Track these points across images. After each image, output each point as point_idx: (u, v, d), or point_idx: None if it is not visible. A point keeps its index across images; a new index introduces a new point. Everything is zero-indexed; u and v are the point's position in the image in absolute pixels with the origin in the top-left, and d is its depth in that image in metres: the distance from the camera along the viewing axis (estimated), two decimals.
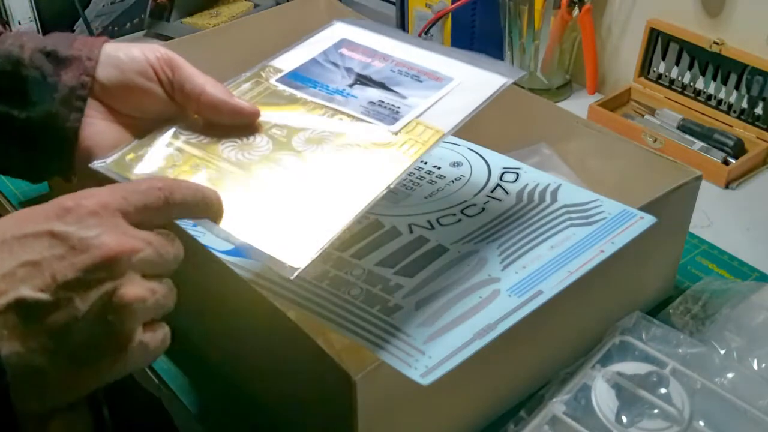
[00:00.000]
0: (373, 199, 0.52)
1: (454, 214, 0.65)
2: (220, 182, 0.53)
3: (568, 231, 0.61)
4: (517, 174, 0.70)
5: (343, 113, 0.60)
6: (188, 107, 0.57)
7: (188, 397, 0.69)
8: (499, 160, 0.72)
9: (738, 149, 0.96)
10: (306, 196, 0.53)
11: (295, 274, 0.47)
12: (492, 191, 0.68)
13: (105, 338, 0.40)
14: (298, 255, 0.48)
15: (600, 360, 0.66)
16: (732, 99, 0.99)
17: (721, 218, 0.88)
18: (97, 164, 0.54)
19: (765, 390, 0.63)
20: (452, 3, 1.08)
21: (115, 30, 1.25)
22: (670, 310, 0.73)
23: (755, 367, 0.67)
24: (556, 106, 0.83)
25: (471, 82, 0.61)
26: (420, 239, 0.62)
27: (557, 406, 0.63)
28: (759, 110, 0.96)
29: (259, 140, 0.56)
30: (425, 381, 0.49)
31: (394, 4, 1.17)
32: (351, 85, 0.63)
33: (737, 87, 0.98)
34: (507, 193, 0.67)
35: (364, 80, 0.63)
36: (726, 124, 0.99)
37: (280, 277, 0.60)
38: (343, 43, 0.68)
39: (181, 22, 1.27)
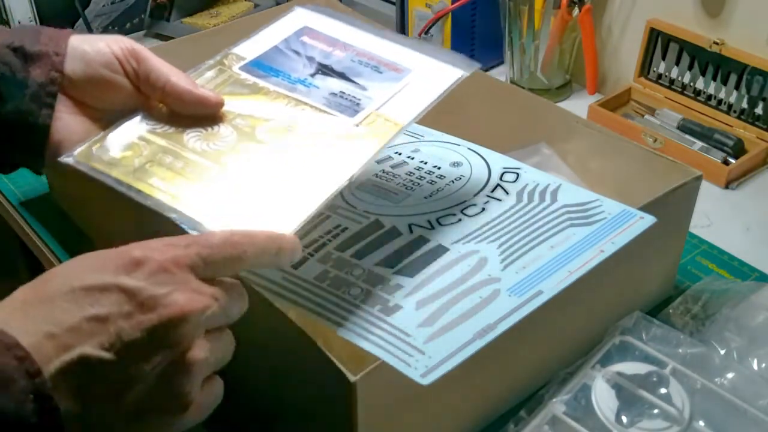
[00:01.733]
0: (336, 190, 0.53)
1: (454, 214, 0.65)
2: (188, 173, 0.53)
3: (568, 231, 0.61)
4: (517, 174, 0.70)
5: (305, 104, 0.61)
6: (153, 97, 0.57)
7: None
8: (499, 160, 0.72)
9: (738, 149, 0.96)
10: (271, 188, 0.54)
11: None
12: (492, 191, 0.68)
13: (166, 400, 0.39)
14: None
15: (600, 360, 0.66)
16: (732, 99, 0.99)
17: (721, 218, 0.88)
18: (64, 158, 0.54)
19: (765, 390, 0.63)
20: (452, 3, 1.08)
21: (115, 30, 1.25)
22: (670, 310, 0.73)
23: (755, 367, 0.67)
24: (556, 106, 0.83)
25: (429, 75, 0.63)
26: (420, 239, 0.62)
27: (557, 406, 0.63)
28: (759, 110, 0.96)
29: (224, 130, 0.57)
30: (425, 381, 0.49)
31: (394, 4, 1.17)
32: (313, 75, 0.63)
33: (737, 87, 0.98)
34: (507, 193, 0.67)
35: (325, 70, 0.64)
36: (726, 124, 0.99)
37: (281, 277, 0.60)
38: (305, 30, 0.68)
39: (181, 22, 1.27)
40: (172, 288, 0.39)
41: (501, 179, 0.69)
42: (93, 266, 0.40)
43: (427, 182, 0.70)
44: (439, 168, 0.72)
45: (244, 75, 0.63)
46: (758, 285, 0.75)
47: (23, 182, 0.95)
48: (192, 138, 0.56)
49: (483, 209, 0.65)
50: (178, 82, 0.56)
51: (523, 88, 1.06)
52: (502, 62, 1.19)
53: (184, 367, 0.39)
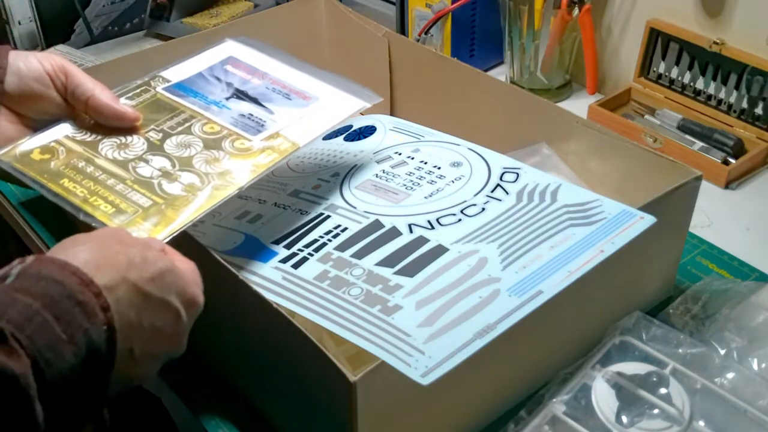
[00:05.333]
0: (225, 197, 0.60)
1: (454, 214, 0.65)
2: (96, 178, 0.60)
3: (568, 231, 0.61)
4: (517, 174, 0.70)
5: (214, 122, 0.67)
6: (79, 109, 0.64)
7: (188, 397, 0.69)
8: (499, 160, 0.72)
9: (738, 149, 0.96)
10: (165, 191, 0.60)
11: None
12: (492, 191, 0.68)
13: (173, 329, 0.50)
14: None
15: (600, 360, 0.66)
16: (732, 99, 0.98)
17: (721, 218, 0.88)
18: None
19: (765, 390, 0.63)
20: (452, 3, 1.08)
21: (115, 30, 1.25)
22: (670, 310, 0.73)
23: (755, 367, 0.67)
24: (556, 106, 0.83)
25: (333, 103, 0.70)
26: (420, 239, 0.62)
27: (557, 406, 0.63)
28: (759, 110, 0.96)
29: (136, 141, 0.64)
30: (425, 381, 0.49)
31: (394, 4, 1.17)
32: (228, 98, 0.70)
33: (737, 87, 0.98)
34: (507, 193, 0.67)
35: (240, 95, 0.71)
36: (726, 124, 0.99)
37: (281, 277, 0.60)
38: (230, 60, 0.75)
39: (181, 22, 1.27)
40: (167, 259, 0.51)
41: (501, 179, 0.69)
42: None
43: (427, 182, 0.70)
44: (439, 168, 0.72)
45: (166, 94, 0.70)
46: (758, 285, 0.75)
47: None
48: (107, 147, 0.63)
49: (483, 209, 0.65)
50: (100, 97, 0.63)
51: (523, 88, 1.06)
52: (502, 62, 1.19)
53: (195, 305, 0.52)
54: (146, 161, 0.62)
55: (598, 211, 0.63)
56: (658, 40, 1.03)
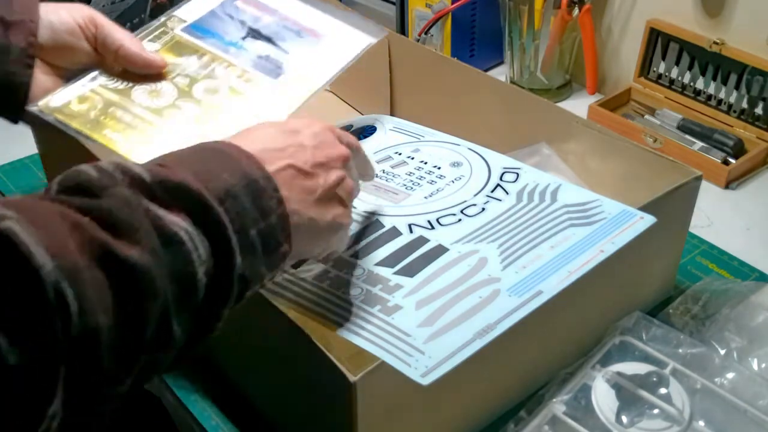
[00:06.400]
0: None
1: (454, 214, 0.65)
2: (136, 126, 0.63)
3: (568, 231, 0.61)
4: (517, 174, 0.70)
5: (235, 66, 0.70)
6: (108, 58, 0.67)
7: (188, 397, 0.69)
8: (499, 160, 0.72)
9: (738, 149, 0.96)
10: (203, 138, 0.61)
11: None
12: (492, 191, 0.68)
13: (337, 204, 0.53)
14: None
15: (600, 360, 0.66)
16: (732, 99, 0.99)
17: (721, 218, 0.88)
18: (31, 107, 0.64)
19: (765, 390, 0.63)
20: (452, 3, 1.08)
21: None
22: (670, 310, 0.73)
23: (755, 367, 0.67)
24: (556, 106, 0.83)
25: (343, 40, 0.74)
26: (420, 239, 0.62)
27: (557, 406, 0.63)
28: (759, 110, 0.96)
29: (166, 87, 0.67)
30: (425, 381, 0.49)
31: (394, 4, 1.17)
32: (243, 38, 0.73)
33: (737, 87, 0.98)
34: (507, 193, 0.67)
35: (254, 34, 0.73)
36: (726, 124, 0.99)
37: (281, 277, 0.60)
38: None
39: None
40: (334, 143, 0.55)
41: (501, 179, 0.69)
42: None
43: (428, 182, 0.70)
44: (439, 168, 0.72)
45: (185, 36, 0.72)
46: (758, 285, 0.75)
47: (23, 182, 0.95)
48: (139, 94, 0.66)
49: (483, 209, 0.65)
50: (130, 47, 0.66)
51: (523, 88, 1.06)
52: (502, 62, 1.19)
53: (345, 188, 0.54)
54: (178, 108, 0.66)
55: (598, 211, 0.63)
56: (658, 40, 1.03)
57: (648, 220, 0.61)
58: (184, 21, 0.73)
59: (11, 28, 0.62)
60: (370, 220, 0.66)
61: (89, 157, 0.71)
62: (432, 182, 0.70)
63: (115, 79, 0.67)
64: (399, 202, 0.68)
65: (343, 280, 0.59)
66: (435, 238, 0.62)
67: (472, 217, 0.65)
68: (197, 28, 0.73)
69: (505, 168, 0.71)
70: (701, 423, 0.61)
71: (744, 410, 0.62)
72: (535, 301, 0.54)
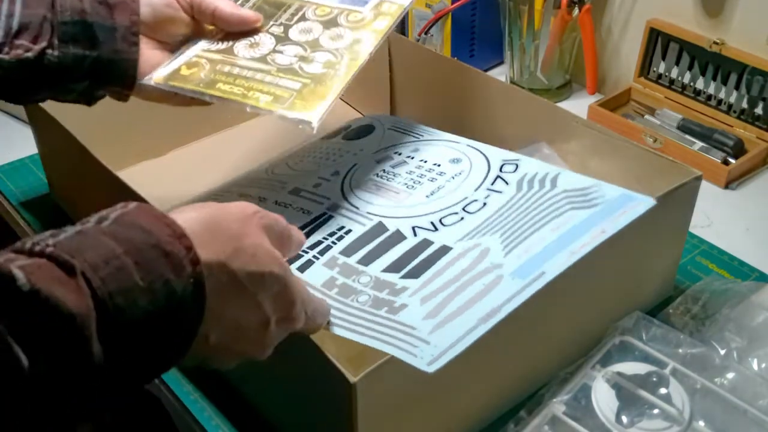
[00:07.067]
0: (361, 65, 0.66)
1: (456, 213, 0.65)
2: (244, 76, 0.66)
3: (568, 214, 0.61)
4: (517, 165, 0.70)
5: (323, 5, 0.73)
6: (205, 22, 0.71)
7: (188, 397, 0.69)
8: (498, 154, 0.72)
9: (738, 149, 0.96)
10: (308, 72, 0.66)
11: (315, 126, 0.61)
12: (492, 183, 0.68)
13: (283, 312, 0.49)
14: (312, 114, 0.62)
15: (600, 360, 0.66)
16: (732, 99, 0.98)
17: (721, 218, 0.88)
18: (145, 81, 0.67)
19: (765, 390, 0.63)
20: (452, 3, 1.08)
21: None
22: (670, 310, 0.73)
23: (755, 367, 0.67)
24: (556, 106, 0.83)
25: None
26: (424, 242, 0.62)
27: (557, 406, 0.63)
28: (759, 110, 0.96)
29: (264, 38, 0.70)
30: (431, 369, 0.49)
31: None
32: None
33: (737, 87, 0.97)
34: (507, 184, 0.67)
35: None
36: (726, 124, 0.99)
37: None
38: None
39: None
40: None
41: (501, 171, 0.69)
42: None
43: (428, 180, 0.70)
44: (438, 165, 0.72)
45: None
46: (758, 285, 0.75)
47: (23, 182, 0.95)
48: (241, 49, 0.69)
49: (485, 204, 0.65)
50: (224, 7, 0.69)
51: (523, 88, 1.06)
52: (502, 62, 1.19)
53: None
54: (280, 52, 0.68)
55: (597, 195, 0.63)
56: (658, 40, 1.03)
57: (647, 202, 0.60)
58: None
59: (115, 9, 0.65)
60: (374, 222, 0.65)
61: (88, 156, 0.71)
62: (432, 180, 0.70)
63: (216, 42, 0.70)
64: (401, 201, 0.68)
65: (351, 288, 0.58)
66: (438, 239, 0.62)
67: (474, 214, 0.64)
68: None
69: (504, 160, 0.71)
70: (701, 423, 0.61)
71: (744, 410, 0.62)
72: (539, 281, 0.54)
